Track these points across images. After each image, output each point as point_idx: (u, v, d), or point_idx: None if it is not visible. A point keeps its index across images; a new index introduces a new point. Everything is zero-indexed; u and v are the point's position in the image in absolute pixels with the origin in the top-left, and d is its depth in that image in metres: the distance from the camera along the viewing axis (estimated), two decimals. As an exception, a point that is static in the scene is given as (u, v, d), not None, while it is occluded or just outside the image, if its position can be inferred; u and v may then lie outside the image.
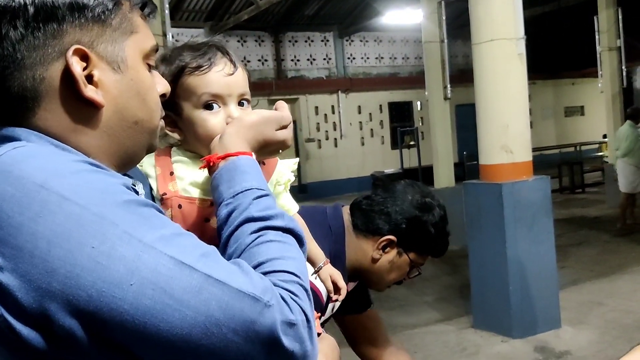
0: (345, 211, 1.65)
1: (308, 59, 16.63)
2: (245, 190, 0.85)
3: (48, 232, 0.61)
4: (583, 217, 10.07)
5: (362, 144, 16.70)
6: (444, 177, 8.62)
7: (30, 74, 0.71)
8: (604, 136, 12.87)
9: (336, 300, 1.34)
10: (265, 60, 15.90)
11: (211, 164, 0.94)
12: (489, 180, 4.66)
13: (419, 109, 17.29)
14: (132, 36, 0.78)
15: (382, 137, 17.30)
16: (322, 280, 1.33)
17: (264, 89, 14.70)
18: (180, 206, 1.14)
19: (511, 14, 4.45)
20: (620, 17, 10.35)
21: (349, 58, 17.23)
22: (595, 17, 10.61)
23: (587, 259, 7.18)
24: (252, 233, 0.79)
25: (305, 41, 16.50)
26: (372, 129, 17.03)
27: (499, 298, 4.64)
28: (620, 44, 10.39)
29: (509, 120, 4.53)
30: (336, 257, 1.50)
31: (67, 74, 0.72)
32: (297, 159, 1.34)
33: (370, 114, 17.02)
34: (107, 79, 0.75)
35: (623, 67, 10.59)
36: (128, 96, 0.78)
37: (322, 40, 16.76)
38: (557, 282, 4.79)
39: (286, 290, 0.71)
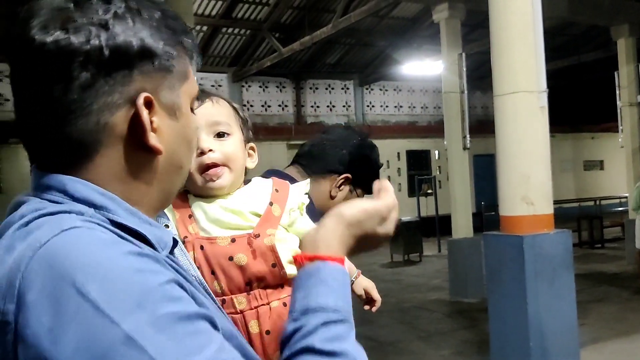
0: (289, 170, 1.73)
1: (328, 106, 16.82)
2: (318, 310, 0.77)
3: (74, 344, 0.57)
4: (602, 273, 9.88)
5: (379, 191, 16.69)
6: (462, 227, 8.55)
7: (94, 120, 0.69)
8: None
9: (369, 310, 1.35)
10: (286, 106, 16.11)
11: (301, 262, 0.86)
12: (509, 232, 4.60)
13: (436, 157, 17.32)
14: (185, 82, 0.78)
15: (400, 184, 17.30)
16: (356, 294, 1.34)
17: (283, 133, 14.87)
18: (202, 247, 1.15)
19: (533, 67, 4.48)
20: (641, 73, 10.40)
21: (368, 106, 17.40)
22: (615, 73, 10.66)
23: (608, 316, 7.01)
24: None
25: (326, 88, 16.72)
26: (389, 176, 17.03)
27: (519, 355, 4.52)
28: (641, 100, 10.40)
29: (530, 171, 4.51)
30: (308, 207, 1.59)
31: (132, 122, 0.71)
32: (308, 180, 1.34)
33: (388, 161, 17.07)
34: (165, 126, 0.74)
35: (644, 123, 10.57)
36: (179, 142, 0.77)
37: (342, 88, 16.97)
38: (577, 340, 4.67)
39: None
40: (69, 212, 0.67)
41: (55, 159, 0.71)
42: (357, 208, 0.90)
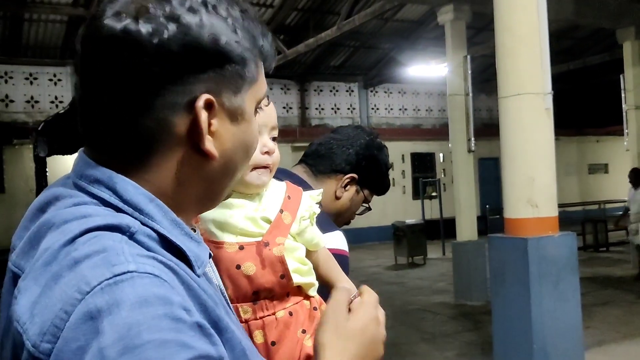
0: (296, 169, 1.71)
1: (332, 108, 16.83)
2: None
3: None
4: (607, 277, 9.85)
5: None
6: (467, 230, 8.54)
7: (156, 117, 0.66)
8: None
9: None
10: (290, 108, 16.12)
11: None
12: (514, 234, 4.59)
13: (441, 160, 17.30)
14: (253, 85, 0.74)
15: (404, 187, 17.29)
16: None
17: (288, 135, 14.88)
18: None
19: (538, 68, 4.48)
20: (646, 76, 10.37)
21: (372, 108, 17.40)
22: (621, 76, 10.63)
23: (613, 319, 6.98)
24: None
25: (330, 91, 16.73)
26: (394, 179, 17.02)
27: (522, 357, 4.51)
28: (647, 103, 10.37)
29: (535, 174, 4.50)
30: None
31: (192, 123, 0.68)
32: (321, 190, 1.32)
33: (392, 163, 16.93)
34: (224, 130, 0.71)
35: (649, 126, 10.53)
36: (236, 148, 0.73)
37: (346, 90, 16.98)
38: (582, 342, 4.65)
39: None
40: (118, 227, 0.64)
41: (110, 152, 0.69)
42: (359, 317, 0.86)
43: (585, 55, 14.54)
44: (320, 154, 1.69)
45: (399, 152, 17.12)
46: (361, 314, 0.86)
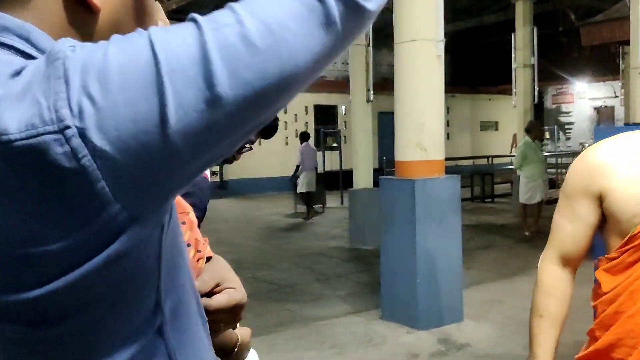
0: None
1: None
2: None
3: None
4: (491, 224, 10.54)
5: (286, 143, 16.75)
6: (363, 178, 8.78)
7: None
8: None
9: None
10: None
11: None
12: (403, 176, 4.81)
13: (343, 113, 17.56)
14: None
15: (306, 138, 17.43)
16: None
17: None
18: None
19: (432, 16, 4.63)
20: (535, 36, 10.92)
21: (277, 58, 17.26)
22: (512, 35, 11.14)
23: (492, 261, 7.53)
24: None
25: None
26: (296, 130, 17.10)
27: (407, 291, 4.79)
28: (534, 62, 10.95)
29: (425, 119, 4.70)
30: None
31: None
32: None
33: (295, 114, 17.12)
34: None
35: (535, 86, 11.15)
36: (126, 15, 0.68)
37: (250, 38, 16.71)
38: (461, 277, 5.01)
39: None
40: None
41: None
42: None
43: (483, 14, 15.07)
44: None
45: (302, 104, 17.18)
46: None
